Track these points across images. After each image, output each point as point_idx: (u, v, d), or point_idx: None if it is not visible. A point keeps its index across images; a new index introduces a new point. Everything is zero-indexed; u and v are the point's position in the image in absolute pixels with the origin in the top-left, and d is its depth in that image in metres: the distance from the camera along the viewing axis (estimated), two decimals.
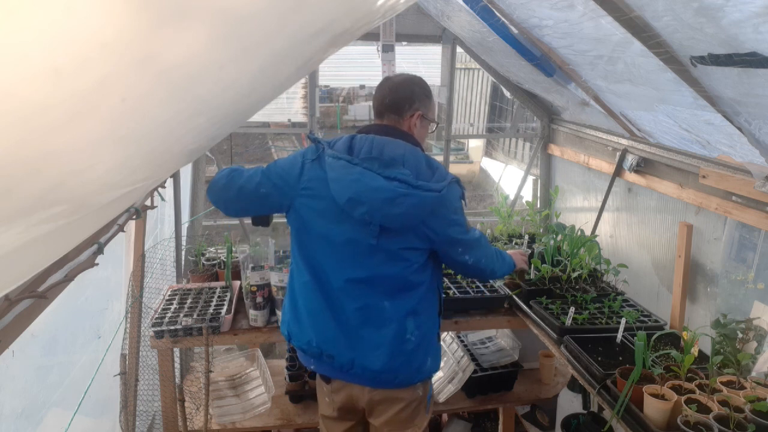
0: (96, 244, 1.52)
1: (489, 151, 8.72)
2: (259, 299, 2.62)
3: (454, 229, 1.94)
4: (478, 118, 9.31)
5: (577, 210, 3.80)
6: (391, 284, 1.92)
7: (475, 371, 2.97)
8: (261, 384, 3.09)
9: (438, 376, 3.10)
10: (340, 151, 1.88)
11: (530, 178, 4.24)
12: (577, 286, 2.82)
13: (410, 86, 1.99)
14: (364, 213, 1.82)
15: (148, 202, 2.12)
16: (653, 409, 1.83)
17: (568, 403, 3.12)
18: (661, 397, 1.85)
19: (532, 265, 2.78)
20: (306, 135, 2.12)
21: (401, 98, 1.96)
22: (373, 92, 2.06)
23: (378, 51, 3.56)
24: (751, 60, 1.47)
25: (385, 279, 1.92)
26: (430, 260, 2.00)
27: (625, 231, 3.27)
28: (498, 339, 3.39)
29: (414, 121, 1.97)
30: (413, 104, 1.97)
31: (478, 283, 2.95)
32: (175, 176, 2.95)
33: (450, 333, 3.33)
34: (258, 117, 3.76)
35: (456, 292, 2.83)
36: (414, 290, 1.96)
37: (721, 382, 1.94)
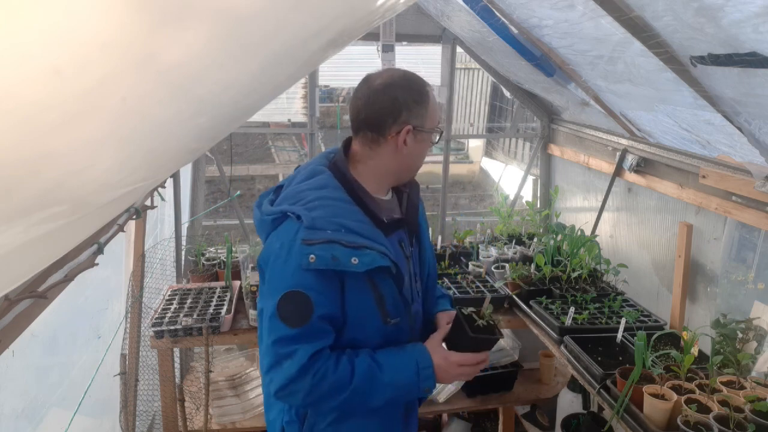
0: (96, 244, 1.52)
1: (489, 151, 8.70)
2: None
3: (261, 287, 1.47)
4: (478, 118, 9.30)
5: (577, 210, 3.80)
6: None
7: None
8: (261, 384, 3.09)
9: None
10: (265, 193, 1.58)
11: (530, 178, 4.24)
12: (577, 286, 2.82)
13: (392, 92, 1.42)
14: None
15: (148, 202, 2.12)
16: (653, 409, 1.83)
17: (568, 403, 3.12)
18: (661, 397, 1.85)
19: (534, 264, 2.77)
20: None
21: (380, 111, 1.42)
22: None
23: (378, 51, 3.56)
24: (751, 60, 1.47)
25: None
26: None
27: (625, 231, 3.26)
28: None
29: (403, 137, 1.43)
30: (399, 116, 1.42)
31: (478, 283, 2.95)
32: (175, 176, 2.95)
33: None
34: (258, 117, 3.76)
35: (456, 293, 2.83)
36: (271, 401, 1.56)
37: (721, 382, 1.94)
